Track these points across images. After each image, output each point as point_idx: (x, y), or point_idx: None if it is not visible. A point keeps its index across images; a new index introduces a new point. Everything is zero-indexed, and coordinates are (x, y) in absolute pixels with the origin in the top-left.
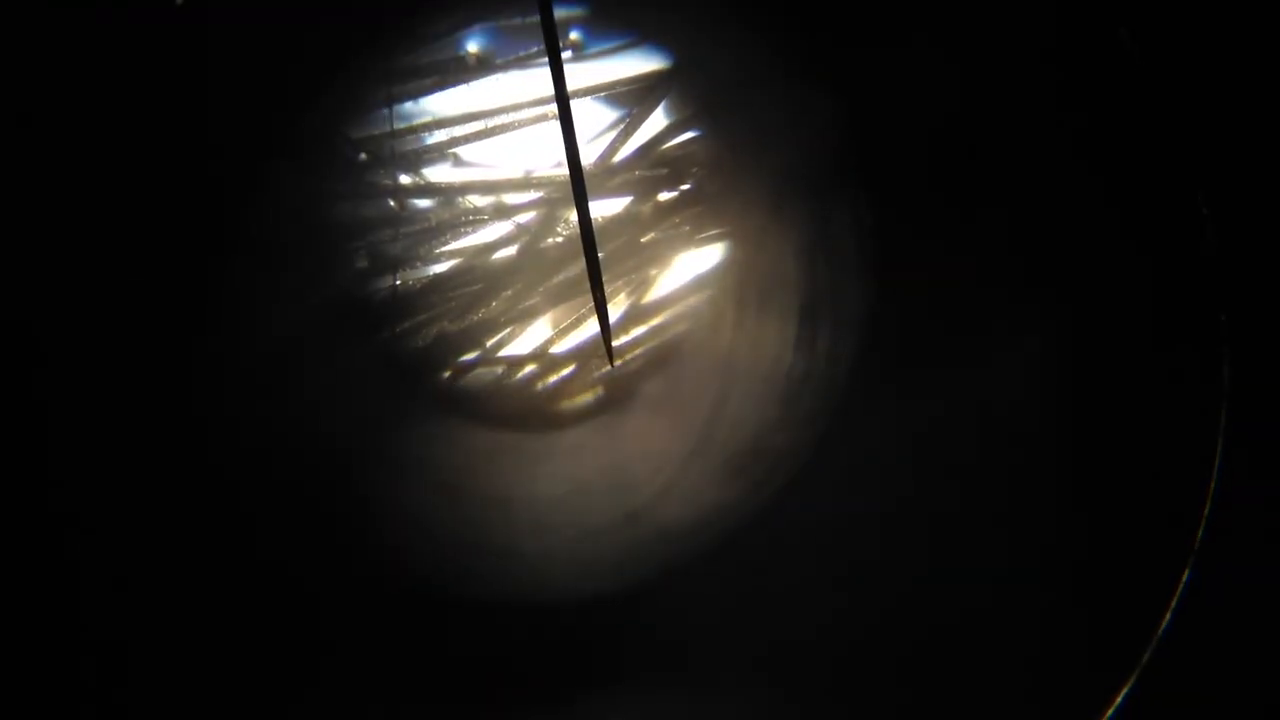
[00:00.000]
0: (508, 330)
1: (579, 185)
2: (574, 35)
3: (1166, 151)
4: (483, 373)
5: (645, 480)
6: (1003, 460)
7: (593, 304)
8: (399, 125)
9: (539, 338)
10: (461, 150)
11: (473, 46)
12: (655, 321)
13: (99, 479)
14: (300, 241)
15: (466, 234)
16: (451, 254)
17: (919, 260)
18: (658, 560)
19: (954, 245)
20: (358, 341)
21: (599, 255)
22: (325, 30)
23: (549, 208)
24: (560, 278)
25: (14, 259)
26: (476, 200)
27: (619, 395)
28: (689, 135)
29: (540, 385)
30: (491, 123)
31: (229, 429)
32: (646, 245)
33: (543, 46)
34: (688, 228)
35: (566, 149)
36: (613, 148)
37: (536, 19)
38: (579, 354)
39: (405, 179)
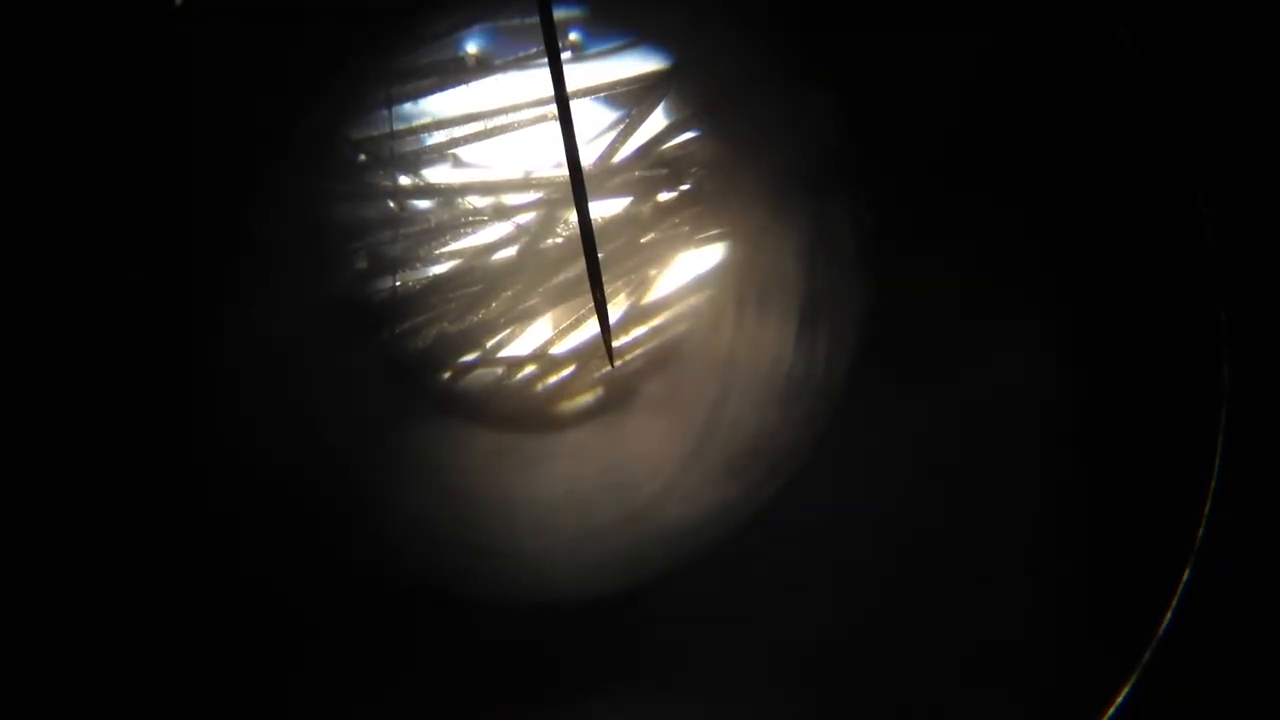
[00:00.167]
0: (508, 331)
1: (579, 186)
2: (573, 36)
3: (1166, 151)
4: (483, 374)
5: (645, 480)
6: (1002, 460)
7: (593, 304)
8: (398, 126)
9: (539, 338)
10: (461, 151)
11: (472, 47)
12: (655, 321)
13: (97, 479)
14: (300, 242)
15: (466, 235)
16: (451, 255)
17: (919, 260)
18: (658, 560)
19: (954, 245)
20: (357, 342)
21: (599, 256)
22: (325, 31)
23: (549, 208)
24: (560, 278)
25: (13, 259)
26: (476, 201)
27: (619, 396)
28: (688, 135)
29: (540, 386)
30: (491, 123)
31: (228, 429)
32: (646, 245)
33: (542, 47)
34: (687, 228)
35: (566, 149)
36: (612, 148)
37: (535, 19)
38: (579, 354)
39: (405, 180)
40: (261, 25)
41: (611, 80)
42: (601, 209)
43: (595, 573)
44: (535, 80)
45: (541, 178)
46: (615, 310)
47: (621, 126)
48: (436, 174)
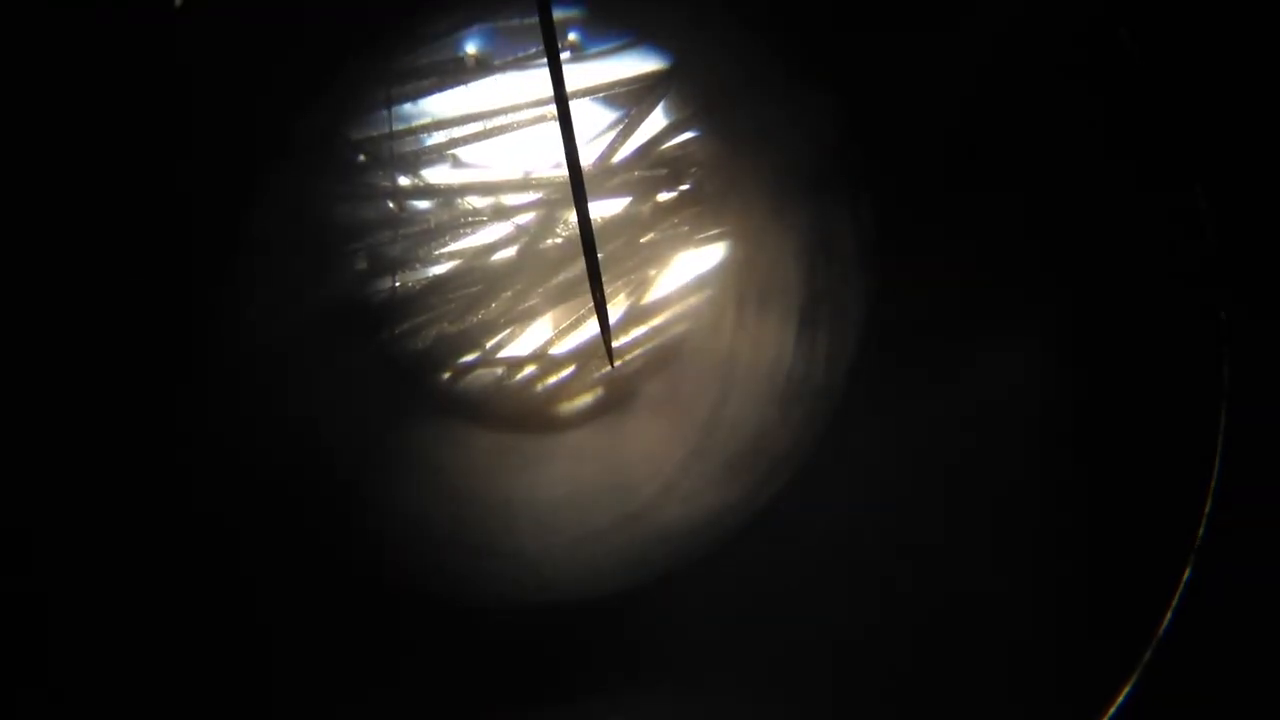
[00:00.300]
0: (508, 331)
1: (578, 186)
2: (572, 36)
3: (1166, 150)
4: (483, 374)
5: (645, 480)
6: (1001, 460)
7: (593, 304)
8: (398, 126)
9: (539, 338)
10: (461, 151)
11: (471, 47)
12: (655, 322)
13: (95, 479)
14: (300, 242)
15: (466, 235)
16: (451, 255)
17: (918, 260)
18: (658, 561)
19: (953, 245)
20: (357, 342)
21: (599, 256)
22: (325, 31)
23: (548, 208)
24: (560, 278)
25: (12, 259)
26: (476, 201)
27: (619, 396)
28: (688, 135)
29: (540, 387)
30: (491, 123)
31: (228, 429)
32: (646, 245)
33: (541, 47)
34: (687, 228)
35: (566, 150)
36: (612, 148)
37: (535, 20)
38: (579, 354)
39: (405, 180)
40: (261, 25)
41: (611, 80)
42: (601, 209)
43: (595, 573)
44: (535, 80)
45: (541, 178)
46: (615, 310)
47: (621, 126)
48: (436, 174)
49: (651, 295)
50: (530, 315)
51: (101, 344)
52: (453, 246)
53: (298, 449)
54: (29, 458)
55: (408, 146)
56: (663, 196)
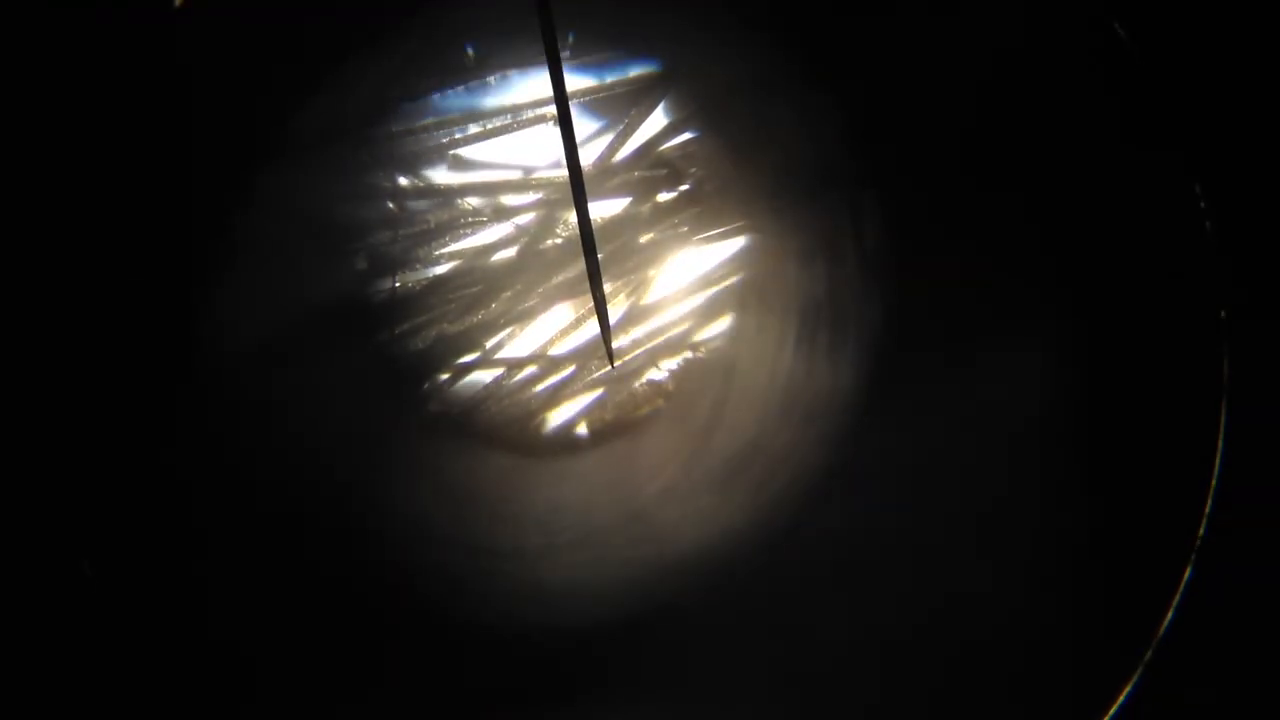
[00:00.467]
0: (507, 331)
1: (578, 186)
2: (572, 39)
3: (1164, 147)
4: (482, 388)
5: (646, 481)
6: (1002, 460)
7: (593, 304)
8: (398, 126)
9: (539, 339)
10: (461, 151)
11: (471, 49)
12: (655, 322)
13: (94, 479)
14: (300, 242)
15: (466, 235)
16: (451, 255)
17: (918, 260)
18: (659, 564)
19: (953, 245)
20: (357, 343)
21: (598, 256)
22: (325, 30)
23: (548, 209)
24: (560, 278)
25: (10, 259)
26: (476, 201)
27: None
28: (688, 135)
29: (539, 408)
30: (490, 124)
31: (227, 429)
32: (646, 245)
33: (541, 49)
34: (687, 228)
35: (566, 150)
36: (612, 148)
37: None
38: (579, 354)
39: (404, 180)
40: (261, 25)
41: (610, 81)
42: (601, 209)
43: (596, 573)
44: (535, 80)
45: (541, 178)
46: (615, 310)
47: (621, 127)
48: (436, 174)
49: (651, 295)
50: (530, 315)
51: (99, 344)
52: (453, 246)
53: (297, 449)
54: (28, 459)
55: (408, 146)
56: (663, 196)
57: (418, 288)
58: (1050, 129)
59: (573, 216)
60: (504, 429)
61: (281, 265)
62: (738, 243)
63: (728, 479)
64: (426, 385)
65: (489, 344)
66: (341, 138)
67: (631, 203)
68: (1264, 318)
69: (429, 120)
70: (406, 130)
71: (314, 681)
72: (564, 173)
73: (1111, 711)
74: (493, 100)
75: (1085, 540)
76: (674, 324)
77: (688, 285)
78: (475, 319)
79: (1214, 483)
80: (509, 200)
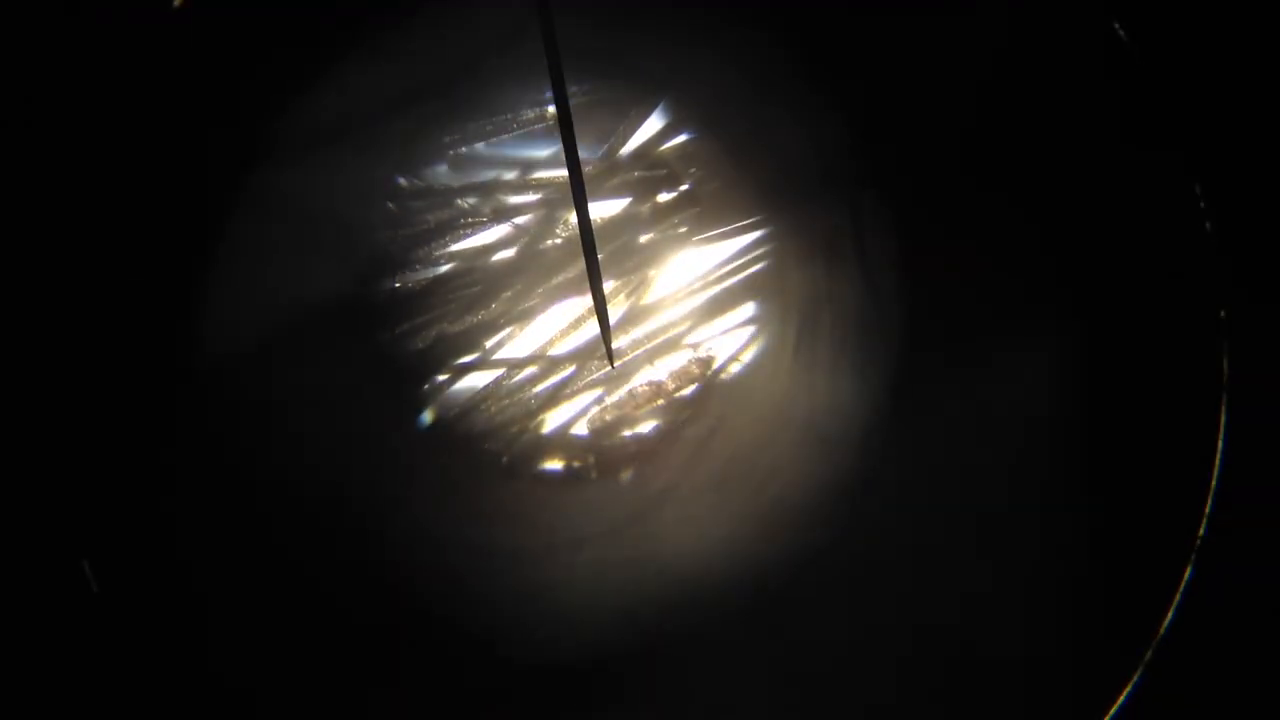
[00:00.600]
0: (507, 331)
1: (578, 186)
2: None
3: (1164, 147)
4: (481, 379)
5: (648, 489)
6: (1002, 460)
7: (593, 304)
8: (399, 126)
9: (539, 339)
10: (461, 151)
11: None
12: (655, 322)
13: (92, 480)
14: (299, 242)
15: (466, 235)
16: (451, 255)
17: (918, 261)
18: (662, 573)
19: (953, 246)
20: (357, 343)
21: (598, 256)
22: (324, 30)
23: (548, 209)
24: (560, 278)
25: (8, 259)
26: (475, 202)
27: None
28: (687, 136)
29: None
30: (491, 124)
31: (226, 430)
32: (646, 245)
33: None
34: (687, 228)
35: (566, 150)
36: (612, 148)
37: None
38: (579, 354)
39: (404, 180)
40: (261, 24)
41: (611, 84)
42: (601, 209)
43: (596, 574)
44: (535, 80)
45: (541, 178)
46: (615, 310)
47: (621, 127)
48: (436, 174)
49: (651, 295)
50: (530, 315)
51: (99, 344)
52: (453, 246)
53: (297, 449)
54: (29, 459)
55: (408, 146)
56: (663, 196)
57: (418, 288)
58: (1050, 129)
59: (573, 216)
60: (503, 429)
61: (281, 265)
62: (737, 243)
63: (728, 480)
64: (426, 385)
65: (489, 344)
66: (342, 138)
67: (631, 203)
68: (1264, 318)
69: (430, 120)
70: (407, 130)
71: (314, 681)
72: (564, 173)
73: (1111, 712)
74: (493, 101)
75: (1085, 540)
76: (674, 324)
77: (688, 285)
78: (475, 319)
79: (1214, 483)
80: (509, 199)
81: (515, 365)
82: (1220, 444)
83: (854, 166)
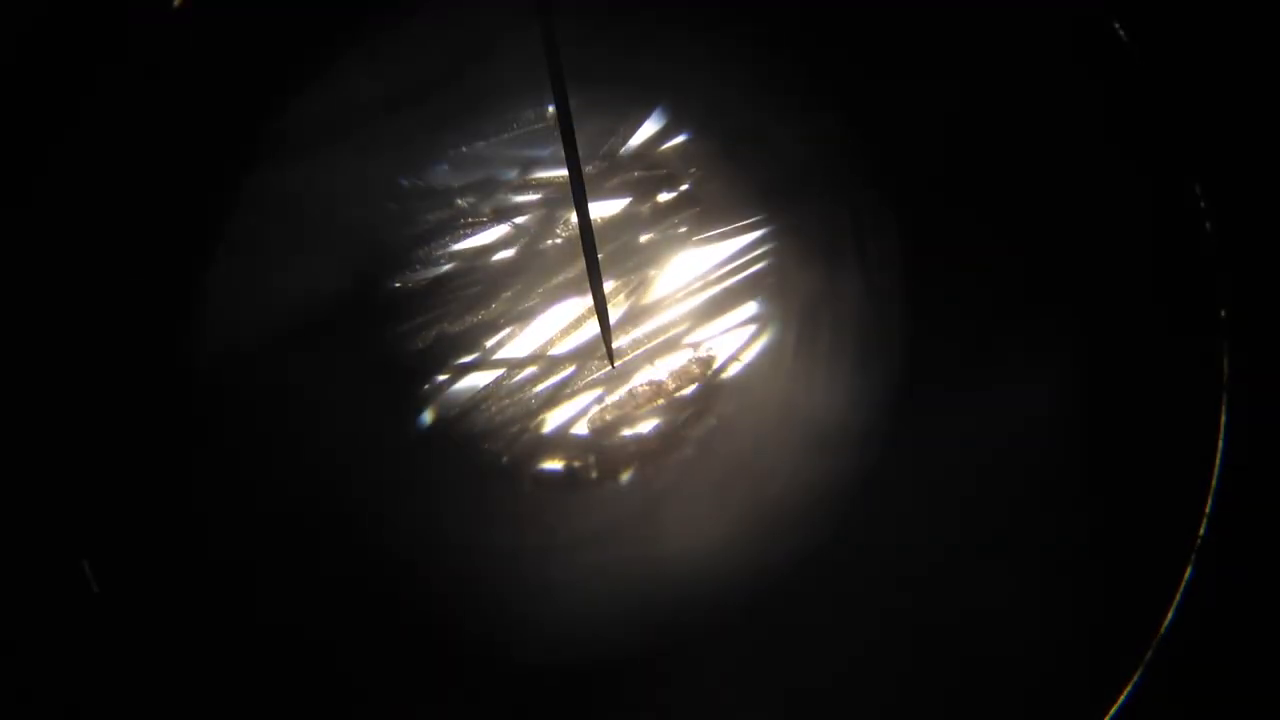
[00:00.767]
0: (507, 331)
1: (578, 186)
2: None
3: (1163, 146)
4: (481, 379)
5: (648, 490)
6: (1002, 461)
7: (593, 304)
8: (399, 126)
9: (539, 339)
10: (461, 151)
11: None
12: (655, 322)
13: (91, 481)
14: (299, 242)
15: (466, 235)
16: (451, 255)
17: (918, 262)
18: (662, 574)
19: (952, 247)
20: (357, 343)
21: (598, 256)
22: (324, 29)
23: (548, 209)
24: (560, 278)
25: (9, 258)
26: (475, 201)
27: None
28: (687, 136)
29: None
30: (491, 124)
31: (224, 431)
32: (646, 245)
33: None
34: (687, 228)
35: (566, 150)
36: (611, 148)
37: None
38: (579, 354)
39: (404, 180)
40: (261, 24)
41: (611, 84)
42: (601, 209)
43: (595, 574)
44: (535, 80)
45: (541, 178)
46: (615, 310)
47: (621, 127)
48: (436, 174)
49: (651, 295)
50: (530, 315)
51: (100, 344)
52: (453, 246)
53: (297, 449)
54: (29, 459)
55: (408, 146)
56: (663, 196)
57: (418, 288)
58: (1050, 128)
59: (573, 216)
60: (504, 429)
61: (281, 265)
62: (737, 243)
63: (728, 480)
64: (426, 385)
65: (489, 344)
66: (342, 138)
67: (631, 203)
68: (1264, 318)
69: (429, 120)
70: (407, 130)
71: (314, 681)
72: (564, 172)
73: (1111, 712)
74: (493, 100)
75: (1086, 541)
76: (674, 324)
77: (688, 285)
78: (475, 319)
79: (1214, 483)
80: (509, 200)
81: (515, 365)
82: (1220, 444)
83: (854, 167)
